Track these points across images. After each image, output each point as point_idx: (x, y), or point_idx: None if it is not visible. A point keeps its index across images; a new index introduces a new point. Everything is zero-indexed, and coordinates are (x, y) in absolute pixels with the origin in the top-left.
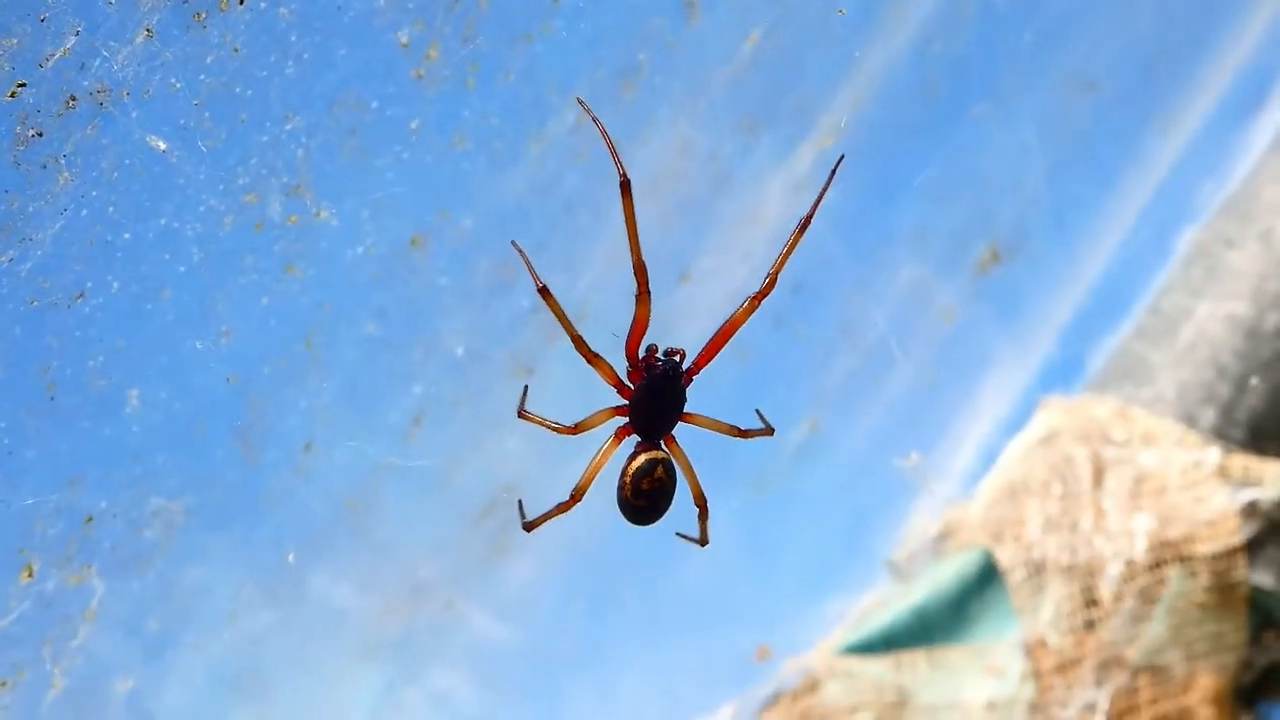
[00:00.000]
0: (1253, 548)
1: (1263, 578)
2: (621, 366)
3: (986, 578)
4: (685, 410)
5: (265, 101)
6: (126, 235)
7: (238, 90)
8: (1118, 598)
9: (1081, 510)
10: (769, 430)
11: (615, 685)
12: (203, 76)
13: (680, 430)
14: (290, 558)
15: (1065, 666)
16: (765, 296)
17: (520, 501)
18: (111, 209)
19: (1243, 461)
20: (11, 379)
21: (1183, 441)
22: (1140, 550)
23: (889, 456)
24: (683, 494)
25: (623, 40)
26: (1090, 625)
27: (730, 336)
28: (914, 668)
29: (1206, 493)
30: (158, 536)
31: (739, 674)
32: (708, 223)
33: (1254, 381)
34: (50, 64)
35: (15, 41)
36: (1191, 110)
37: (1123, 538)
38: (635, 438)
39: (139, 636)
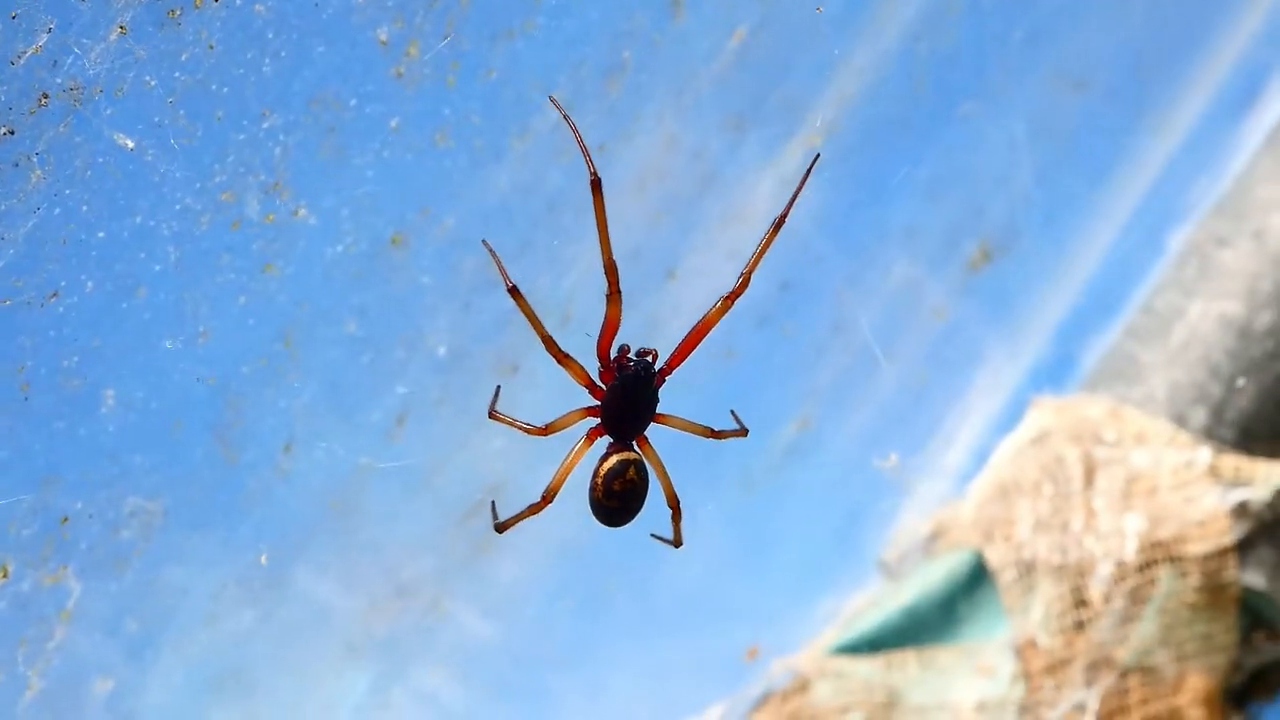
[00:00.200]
0: (1243, 548)
1: (1253, 578)
2: (594, 367)
3: (977, 578)
4: (658, 411)
5: (242, 99)
6: (101, 234)
7: (214, 88)
8: (1108, 598)
9: (1072, 510)
10: (743, 431)
11: (603, 685)
12: (178, 74)
13: (660, 431)
14: (263, 559)
15: (1055, 667)
16: (738, 296)
17: (493, 503)
18: (85, 208)
19: (1234, 462)
20: None
21: (1174, 441)
22: (1131, 550)
23: (879, 456)
24: (656, 495)
25: (607, 37)
26: (1080, 626)
27: (703, 337)
28: (904, 668)
29: (1197, 493)
30: (135, 537)
31: (728, 674)
32: (694, 221)
33: (1246, 382)
34: (22, 61)
35: None
36: (1184, 108)
37: (1113, 538)
38: (608, 439)
39: (118, 637)
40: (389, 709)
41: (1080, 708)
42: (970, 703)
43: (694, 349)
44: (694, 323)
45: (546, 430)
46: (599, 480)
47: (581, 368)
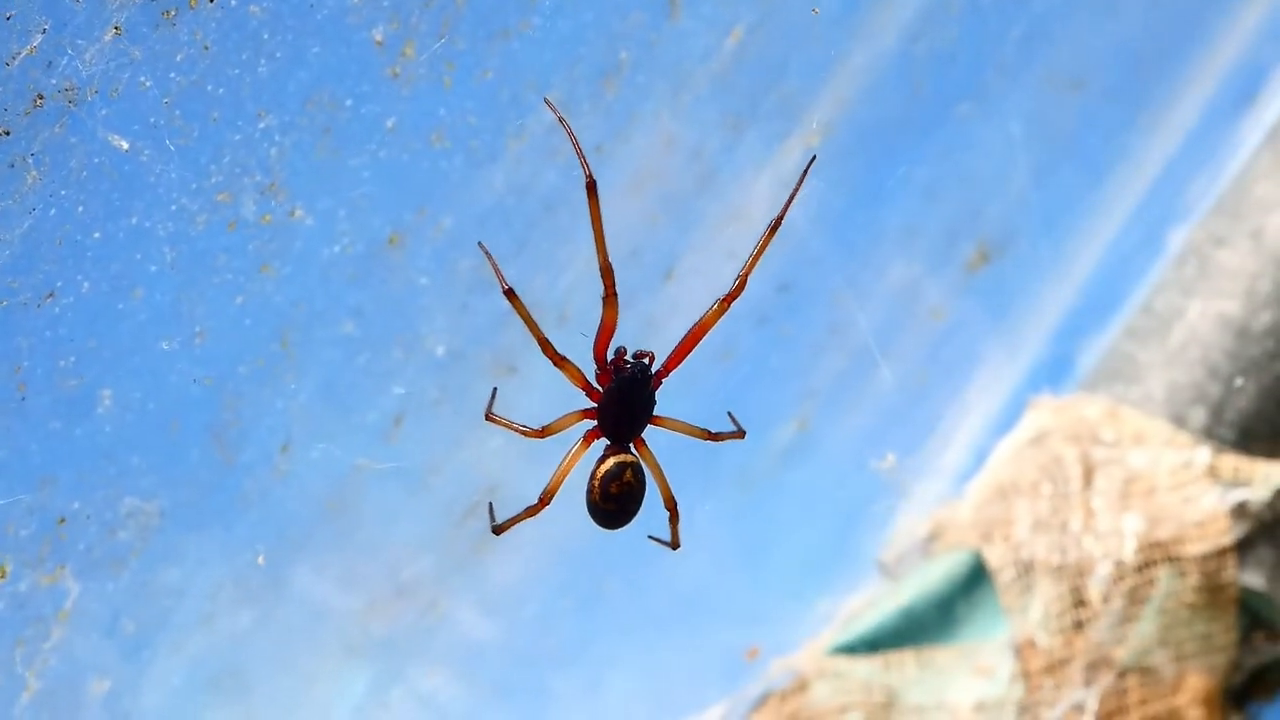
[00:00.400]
0: (1242, 548)
1: (1252, 578)
2: (591, 369)
3: (975, 578)
4: (655, 413)
5: (237, 100)
6: (96, 235)
7: (209, 88)
8: (1107, 598)
9: (1071, 510)
10: (740, 433)
11: (602, 685)
12: (173, 75)
13: (658, 432)
14: (261, 559)
15: (1054, 667)
16: (735, 298)
17: (490, 505)
18: (81, 208)
19: (1233, 462)
20: None
21: (1172, 442)
22: (1129, 551)
23: (877, 456)
24: (654, 497)
25: (603, 37)
26: (1079, 626)
27: (700, 339)
28: (902, 668)
29: (1196, 493)
30: (133, 537)
31: (728, 674)
32: (692, 221)
33: (1244, 382)
34: (16, 62)
35: None
36: (1182, 107)
37: (1112, 538)
38: (605, 441)
39: (115, 637)
40: (387, 709)
41: (1079, 708)
42: (969, 703)
43: (691, 350)
44: (691, 324)
45: (543, 432)
46: (596, 483)
47: (578, 370)
